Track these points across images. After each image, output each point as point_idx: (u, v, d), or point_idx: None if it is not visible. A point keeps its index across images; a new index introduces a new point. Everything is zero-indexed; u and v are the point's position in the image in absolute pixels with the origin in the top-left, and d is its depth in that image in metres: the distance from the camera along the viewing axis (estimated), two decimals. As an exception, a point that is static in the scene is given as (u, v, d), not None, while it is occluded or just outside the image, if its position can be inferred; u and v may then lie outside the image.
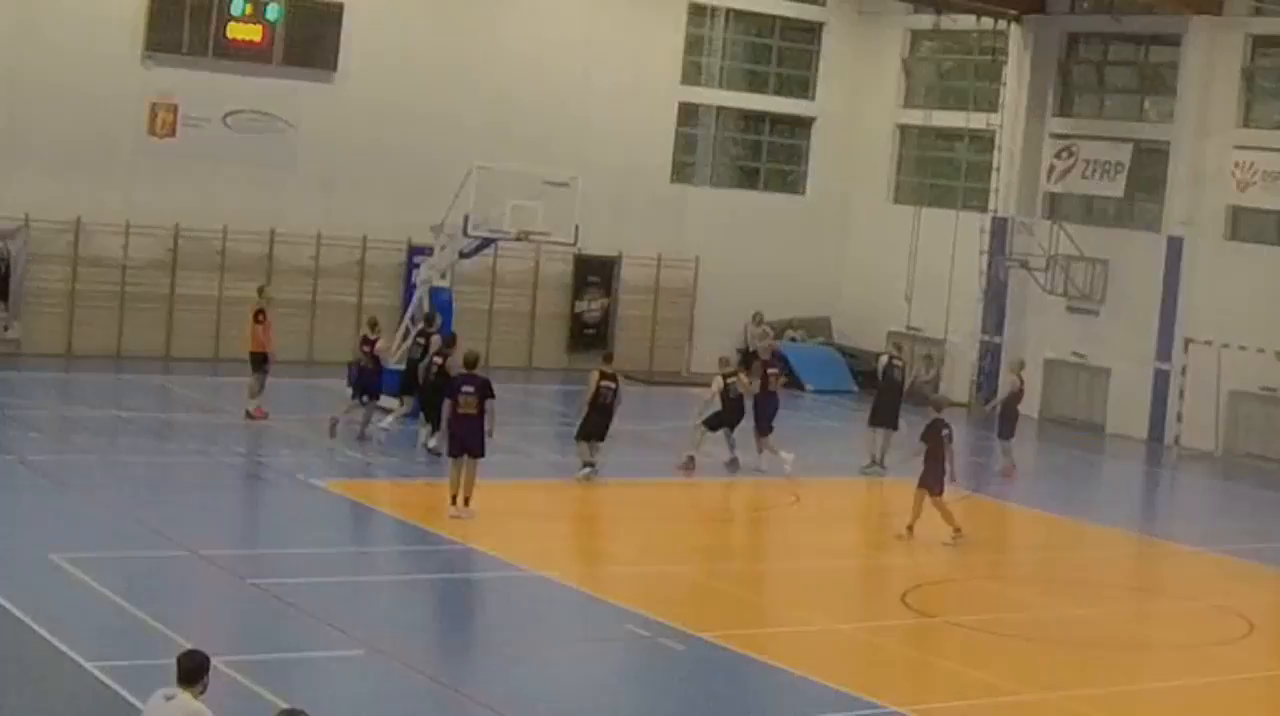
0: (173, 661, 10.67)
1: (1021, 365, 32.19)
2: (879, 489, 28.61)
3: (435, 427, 27.20)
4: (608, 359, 27.45)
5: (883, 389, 29.62)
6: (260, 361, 29.27)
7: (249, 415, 28.99)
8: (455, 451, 23.04)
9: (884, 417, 29.34)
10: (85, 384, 32.41)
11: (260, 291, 30.84)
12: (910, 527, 23.76)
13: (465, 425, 22.95)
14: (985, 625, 19.97)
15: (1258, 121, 36.01)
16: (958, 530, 23.74)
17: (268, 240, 36.07)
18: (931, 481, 23.76)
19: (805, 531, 24.54)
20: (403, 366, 28.77)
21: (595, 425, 26.31)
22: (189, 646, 11.29)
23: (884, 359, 30.11)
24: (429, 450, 27.05)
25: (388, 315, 35.78)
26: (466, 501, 22.81)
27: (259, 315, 29.73)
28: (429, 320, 29.12)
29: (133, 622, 16.97)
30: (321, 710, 12.41)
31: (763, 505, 26.81)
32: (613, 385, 26.38)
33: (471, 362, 23.76)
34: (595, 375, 26.58)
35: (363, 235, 36.96)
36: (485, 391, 23.06)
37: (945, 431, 23.91)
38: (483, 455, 23.02)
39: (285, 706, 11.16)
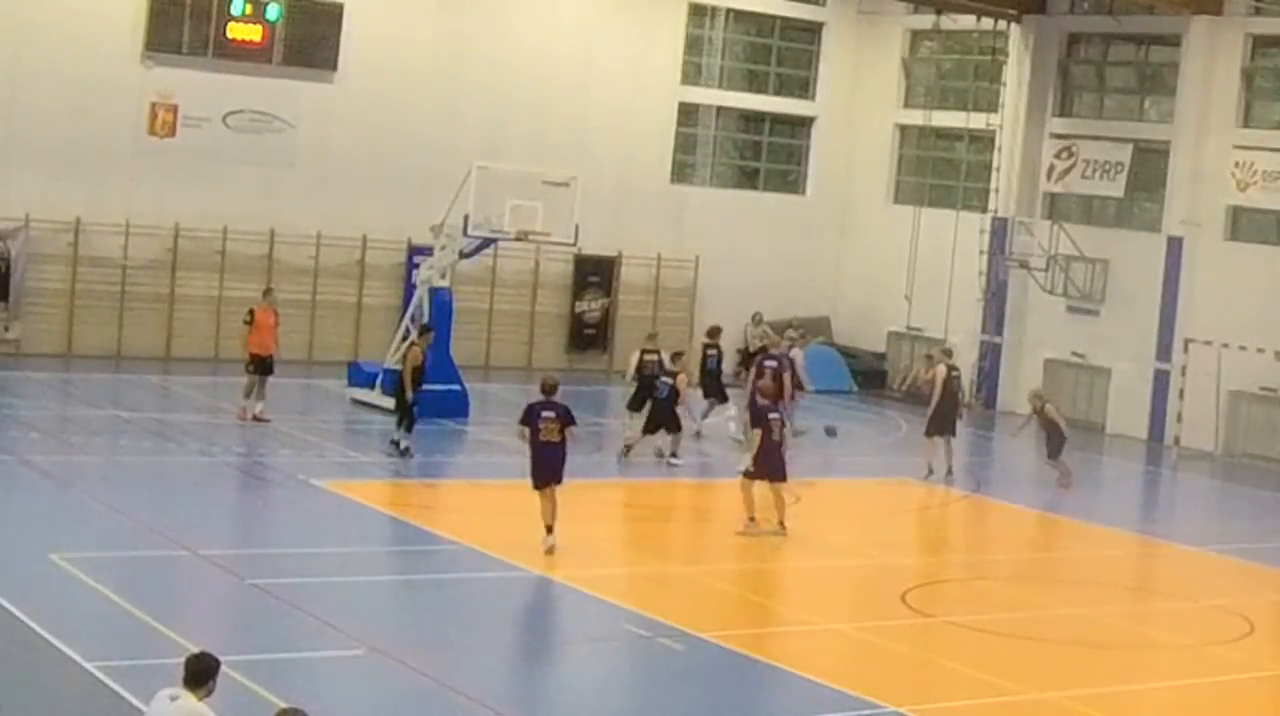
0: (172, 661, 10.68)
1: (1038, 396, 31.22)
2: (879, 489, 28.62)
3: (404, 425, 27.08)
4: (650, 338, 30.17)
5: (943, 400, 29.51)
6: (255, 363, 29.19)
7: (246, 417, 28.98)
8: (542, 482, 21.55)
9: (944, 426, 29.37)
10: (85, 384, 32.40)
11: (265, 293, 30.84)
12: (753, 518, 23.50)
13: (550, 452, 21.62)
14: (985, 625, 19.97)
15: (1258, 121, 35.99)
16: (782, 524, 23.47)
17: (268, 240, 36.06)
18: (770, 470, 23.51)
19: (805, 531, 24.48)
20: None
21: (636, 399, 28.79)
22: (189, 646, 11.31)
23: (942, 369, 29.97)
24: (397, 447, 26.90)
25: (388, 315, 35.94)
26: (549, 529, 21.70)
27: (249, 315, 29.75)
28: (422, 331, 28.91)
29: (133, 622, 16.97)
30: (321, 710, 12.41)
31: (763, 505, 26.77)
32: (655, 357, 28.87)
33: (550, 388, 21.97)
34: (637, 352, 29.39)
35: (362, 235, 36.95)
36: (567, 417, 21.71)
37: (773, 416, 23.79)
38: (560, 481, 21.84)
39: (285, 706, 11.14)
